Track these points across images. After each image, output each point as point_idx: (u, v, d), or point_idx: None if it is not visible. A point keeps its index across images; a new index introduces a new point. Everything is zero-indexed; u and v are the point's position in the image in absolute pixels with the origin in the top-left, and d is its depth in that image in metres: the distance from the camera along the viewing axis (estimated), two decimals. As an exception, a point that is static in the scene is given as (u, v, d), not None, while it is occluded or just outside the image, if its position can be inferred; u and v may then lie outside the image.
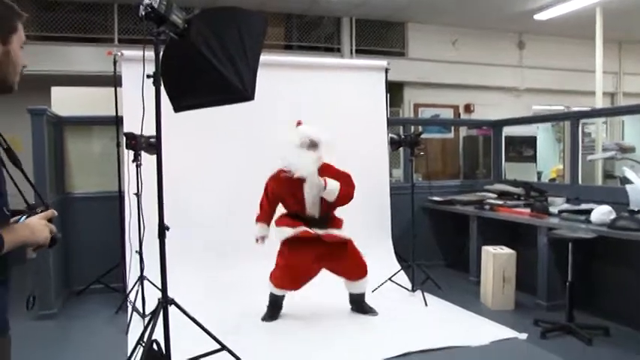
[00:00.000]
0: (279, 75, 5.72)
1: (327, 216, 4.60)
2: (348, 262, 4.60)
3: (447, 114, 9.22)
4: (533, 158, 9.04)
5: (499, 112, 8.56)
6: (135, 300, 4.63)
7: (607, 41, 8.10)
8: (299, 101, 5.65)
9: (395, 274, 5.46)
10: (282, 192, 4.57)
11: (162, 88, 3.11)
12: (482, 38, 9.28)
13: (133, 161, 4.58)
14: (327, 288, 4.75)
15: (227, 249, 5.39)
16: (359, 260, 4.65)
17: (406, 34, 8.91)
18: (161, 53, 3.09)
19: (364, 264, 4.67)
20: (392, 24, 8.82)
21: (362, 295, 4.75)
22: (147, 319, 3.87)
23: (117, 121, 5.32)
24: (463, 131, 8.95)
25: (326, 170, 4.51)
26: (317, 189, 4.43)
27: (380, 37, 8.71)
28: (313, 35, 8.33)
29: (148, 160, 4.52)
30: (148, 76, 3.12)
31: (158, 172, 3.15)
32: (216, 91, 3.42)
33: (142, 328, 3.52)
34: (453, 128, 9.04)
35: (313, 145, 4.42)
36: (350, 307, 4.81)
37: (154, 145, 4.60)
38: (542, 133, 10.69)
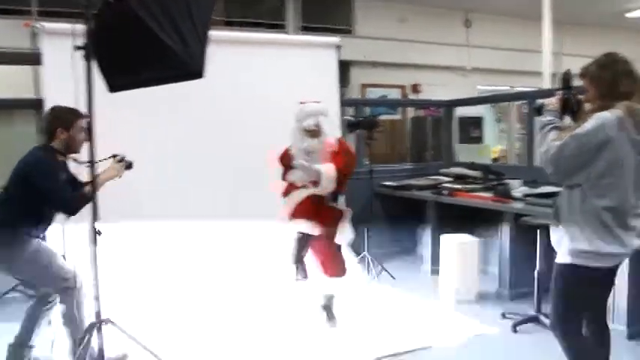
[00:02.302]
0: (219, 52, 5.21)
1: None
2: (332, 257, 4.15)
3: (395, 94, 8.97)
4: (480, 139, 8.94)
5: (446, 92, 8.37)
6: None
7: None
8: (242, 81, 5.21)
9: (350, 266, 5.12)
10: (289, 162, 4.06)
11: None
12: (429, 16, 9.05)
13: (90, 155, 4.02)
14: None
15: (176, 246, 4.90)
16: (340, 260, 4.22)
17: (353, 11, 8.55)
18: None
19: (343, 266, 4.22)
20: (339, 0, 8.44)
21: (333, 299, 4.24)
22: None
23: (37, 104, 4.69)
24: (410, 112, 8.73)
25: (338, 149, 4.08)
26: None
27: (327, 14, 8.31)
28: (256, 10, 7.83)
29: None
30: (77, 48, 2.64)
31: (90, 164, 2.70)
32: (160, 67, 2.94)
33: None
34: (400, 109, 8.79)
35: (317, 129, 3.96)
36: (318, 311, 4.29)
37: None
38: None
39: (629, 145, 2.40)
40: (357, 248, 5.58)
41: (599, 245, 2.42)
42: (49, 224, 3.33)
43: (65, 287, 3.15)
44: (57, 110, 3.22)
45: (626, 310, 3.74)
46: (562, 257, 2.54)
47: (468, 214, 5.18)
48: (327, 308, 4.24)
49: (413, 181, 6.14)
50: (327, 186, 3.98)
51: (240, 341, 3.81)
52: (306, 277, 4.07)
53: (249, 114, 5.08)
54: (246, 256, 4.75)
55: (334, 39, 5.79)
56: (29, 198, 3.07)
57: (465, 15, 9.52)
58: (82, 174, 3.23)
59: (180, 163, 4.89)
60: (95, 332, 2.85)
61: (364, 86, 8.75)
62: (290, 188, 4.07)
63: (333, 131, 5.58)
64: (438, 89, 8.79)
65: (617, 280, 2.71)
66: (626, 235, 2.46)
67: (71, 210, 3.06)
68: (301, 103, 4.02)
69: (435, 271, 5.23)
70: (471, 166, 6.01)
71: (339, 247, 4.18)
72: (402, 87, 9.10)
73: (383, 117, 8.28)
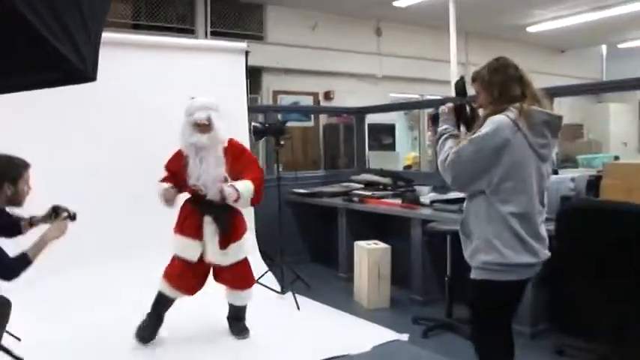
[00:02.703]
0: (124, 56, 5.01)
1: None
2: (237, 269, 3.93)
3: (307, 101, 8.93)
4: (392, 146, 9.04)
5: (358, 99, 8.43)
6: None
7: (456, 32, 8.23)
8: (147, 86, 5.01)
9: (262, 275, 5.00)
10: (177, 167, 3.83)
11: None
12: (341, 24, 9.08)
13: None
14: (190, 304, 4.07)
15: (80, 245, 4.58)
16: (246, 268, 4.03)
17: (265, 17, 8.44)
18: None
19: (252, 274, 4.07)
20: (250, 5, 8.31)
21: (244, 310, 4.09)
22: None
23: None
24: (323, 119, 8.72)
25: (233, 153, 3.87)
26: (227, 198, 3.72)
27: (237, 20, 8.15)
28: (164, 14, 7.55)
29: None
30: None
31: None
32: (46, 69, 2.66)
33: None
34: (313, 116, 8.76)
35: (208, 123, 3.74)
36: (227, 322, 4.12)
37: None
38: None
39: (528, 149, 2.36)
40: (269, 256, 5.49)
41: (509, 255, 2.35)
42: None
43: None
44: (3, 162, 2.92)
45: (528, 311, 3.81)
46: (474, 272, 2.47)
47: (380, 220, 5.19)
48: (237, 320, 4.08)
49: (325, 188, 6.11)
50: (245, 205, 3.86)
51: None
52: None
53: (152, 120, 4.87)
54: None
55: (242, 44, 5.67)
56: None
57: (377, 23, 9.63)
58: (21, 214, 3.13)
59: (72, 174, 4.58)
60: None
61: (276, 93, 8.66)
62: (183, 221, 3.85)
63: (242, 138, 5.51)
64: (350, 96, 8.84)
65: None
66: (537, 243, 2.41)
67: (11, 277, 2.80)
68: (192, 98, 3.84)
69: (349, 278, 5.19)
70: (381, 172, 6.04)
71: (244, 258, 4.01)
72: (314, 94, 9.08)
73: (295, 124, 8.22)
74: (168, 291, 3.79)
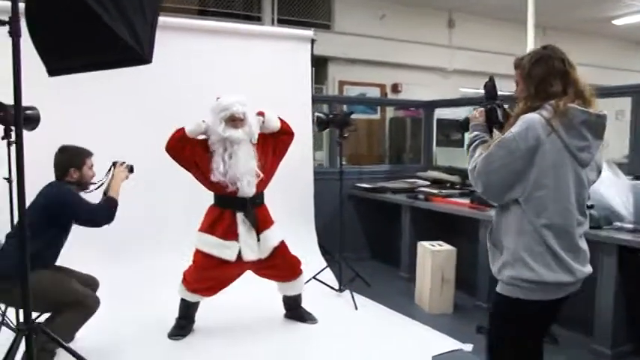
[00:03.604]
0: (189, 41, 4.95)
1: (261, 197, 3.85)
2: (278, 260, 3.88)
3: (374, 93, 8.68)
4: (461, 143, 8.67)
5: (426, 93, 8.12)
6: (5, 310, 3.73)
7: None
8: (212, 72, 4.93)
9: (320, 271, 4.84)
10: (201, 157, 3.68)
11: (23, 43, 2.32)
12: (410, 14, 8.78)
13: (3, 138, 3.67)
14: (245, 290, 4.02)
15: (125, 239, 4.55)
16: (291, 257, 3.97)
17: (332, 6, 8.24)
18: None
19: (297, 260, 4.00)
20: (318, -7, 8.14)
21: (299, 298, 4.10)
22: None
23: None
24: (390, 112, 8.46)
25: (263, 145, 3.83)
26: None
27: (304, 7, 7.99)
28: (231, 1, 7.48)
29: (27, 136, 3.72)
30: (2, 23, 2.31)
31: (18, 153, 2.37)
32: (103, 50, 2.59)
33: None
34: (379, 109, 8.51)
35: (239, 119, 3.64)
36: (284, 312, 4.14)
37: (32, 119, 3.75)
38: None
39: (564, 152, 2.07)
40: (328, 251, 5.32)
41: (541, 273, 2.07)
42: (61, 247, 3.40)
43: (76, 304, 3.19)
44: (67, 151, 3.40)
45: (610, 331, 3.49)
46: (500, 286, 2.19)
47: (445, 220, 4.92)
48: (296, 307, 4.10)
49: (388, 184, 5.88)
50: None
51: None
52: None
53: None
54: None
55: (308, 32, 5.50)
56: (52, 232, 3.22)
57: (449, 15, 9.27)
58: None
59: (141, 157, 4.53)
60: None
61: (342, 84, 8.45)
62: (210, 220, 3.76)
63: (305, 128, 5.37)
64: (418, 90, 8.54)
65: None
66: (574, 260, 2.11)
67: (106, 216, 3.26)
68: (217, 98, 3.71)
69: (411, 279, 4.95)
70: (449, 170, 5.75)
71: (282, 243, 3.95)
72: (381, 86, 8.83)
73: (361, 116, 8.00)
74: (188, 296, 3.75)
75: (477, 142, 2.28)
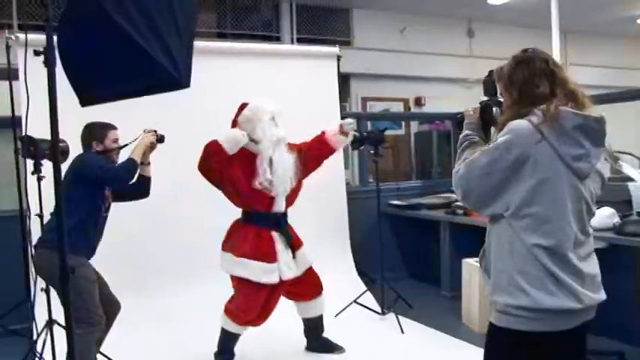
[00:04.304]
0: (211, 64, 4.84)
1: (286, 213, 3.70)
2: (305, 276, 3.71)
3: (397, 108, 8.54)
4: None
5: (450, 104, 7.93)
6: (43, 350, 3.59)
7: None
8: (236, 94, 4.76)
9: (361, 295, 4.66)
10: (235, 170, 3.50)
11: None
12: (430, 26, 8.64)
13: (33, 173, 3.56)
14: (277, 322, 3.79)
15: (166, 270, 4.48)
16: (315, 274, 3.80)
17: (351, 22, 8.13)
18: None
19: (319, 278, 3.81)
20: (336, 10, 8.02)
21: (321, 322, 3.87)
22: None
23: (13, 122, 4.23)
24: (414, 127, 8.31)
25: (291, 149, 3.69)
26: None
27: (323, 25, 7.88)
28: (249, 21, 7.41)
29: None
30: (37, 53, 2.21)
31: (56, 187, 2.24)
32: (139, 77, 2.47)
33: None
34: (403, 124, 8.37)
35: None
36: (306, 344, 3.89)
37: (62, 152, 3.64)
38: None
39: (557, 162, 1.81)
40: (364, 273, 5.15)
41: (538, 298, 1.77)
42: (98, 241, 3.35)
43: (83, 320, 3.02)
44: (90, 126, 3.38)
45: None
46: (493, 316, 1.92)
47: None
48: (317, 334, 3.87)
49: (423, 200, 5.71)
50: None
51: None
52: None
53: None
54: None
55: (334, 49, 5.39)
56: (81, 203, 3.14)
57: (468, 24, 9.13)
58: None
59: (172, 181, 4.45)
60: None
61: (365, 100, 8.32)
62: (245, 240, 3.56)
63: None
64: (441, 102, 8.37)
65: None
66: (579, 284, 1.81)
67: (127, 176, 3.26)
68: (243, 103, 3.63)
69: (454, 298, 4.79)
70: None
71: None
72: (404, 100, 8.68)
73: (387, 132, 7.87)
74: (235, 328, 3.54)
75: (465, 142, 2.06)
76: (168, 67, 2.43)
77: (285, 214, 3.63)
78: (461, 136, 2.11)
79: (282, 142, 3.52)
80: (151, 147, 3.46)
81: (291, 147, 3.65)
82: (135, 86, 2.53)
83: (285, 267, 3.53)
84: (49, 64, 2.18)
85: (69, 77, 2.42)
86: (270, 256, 3.49)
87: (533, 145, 1.79)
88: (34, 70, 2.53)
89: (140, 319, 4.01)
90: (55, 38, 2.27)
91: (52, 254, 2.80)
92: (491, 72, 2.19)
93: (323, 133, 3.85)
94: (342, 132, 3.81)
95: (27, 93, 2.47)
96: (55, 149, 2.24)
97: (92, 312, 3.11)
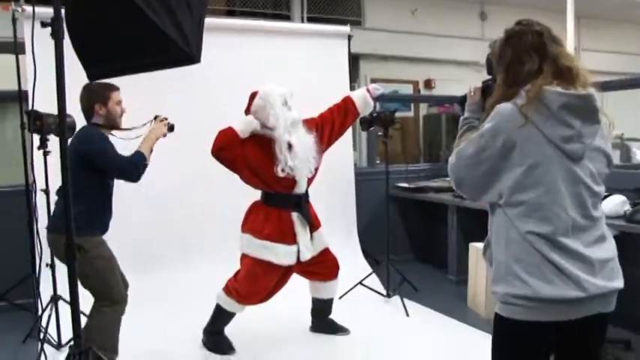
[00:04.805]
0: (221, 41, 4.78)
1: (308, 194, 3.62)
2: (323, 257, 3.67)
3: (407, 90, 8.44)
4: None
5: (461, 88, 7.81)
6: (47, 325, 3.59)
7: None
8: (246, 72, 4.74)
9: (366, 277, 4.64)
10: (254, 155, 3.42)
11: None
12: (442, 8, 8.51)
13: (39, 148, 3.54)
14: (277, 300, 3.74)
15: (174, 251, 4.51)
16: (333, 256, 3.76)
17: (362, 2, 8.01)
18: None
19: (337, 261, 3.77)
20: (347, -11, 7.92)
21: (330, 302, 3.85)
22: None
23: (20, 96, 4.20)
24: (423, 109, 8.23)
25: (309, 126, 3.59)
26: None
27: (334, 4, 7.77)
28: (259, 0, 7.32)
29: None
30: (44, 25, 2.16)
31: (62, 163, 2.20)
32: (149, 51, 2.43)
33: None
34: (412, 106, 8.29)
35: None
36: (310, 324, 3.88)
37: (68, 127, 3.60)
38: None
39: (546, 145, 1.71)
40: (371, 255, 5.13)
41: (536, 286, 1.68)
42: (110, 216, 3.18)
43: (107, 299, 2.99)
44: (91, 86, 3.11)
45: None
46: (498, 306, 1.82)
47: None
48: (324, 315, 3.86)
49: (430, 183, 5.67)
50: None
51: None
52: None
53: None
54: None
55: (345, 28, 5.33)
56: (91, 181, 3.02)
57: (481, 7, 8.99)
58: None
59: (178, 164, 4.43)
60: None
61: (374, 81, 8.20)
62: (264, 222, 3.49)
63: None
64: (451, 85, 8.26)
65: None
66: (586, 272, 1.70)
67: (135, 173, 3.04)
68: (254, 92, 3.51)
69: (460, 282, 4.76)
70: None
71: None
72: (414, 82, 8.59)
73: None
74: (234, 307, 3.49)
75: (464, 127, 1.96)
76: (180, 42, 2.40)
77: (306, 194, 3.56)
78: (461, 119, 2.02)
79: (298, 124, 3.42)
80: (162, 135, 3.27)
81: (309, 124, 3.55)
82: (145, 61, 2.50)
83: (305, 248, 3.49)
84: (57, 37, 2.13)
85: (77, 51, 2.38)
86: (289, 238, 3.45)
87: (518, 129, 1.70)
88: (41, 44, 2.50)
89: (146, 299, 4.02)
90: (62, 11, 2.23)
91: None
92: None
93: (348, 96, 3.78)
94: (370, 96, 3.75)
95: (34, 66, 2.40)
96: (63, 124, 2.20)
97: (114, 289, 3.01)
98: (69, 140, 3.36)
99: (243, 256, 3.52)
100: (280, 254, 3.41)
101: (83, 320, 2.50)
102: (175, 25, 2.36)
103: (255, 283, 3.45)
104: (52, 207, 3.45)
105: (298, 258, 3.48)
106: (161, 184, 4.32)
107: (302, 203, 3.50)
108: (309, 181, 3.55)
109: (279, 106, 3.37)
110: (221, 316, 3.52)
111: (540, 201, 1.71)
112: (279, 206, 3.47)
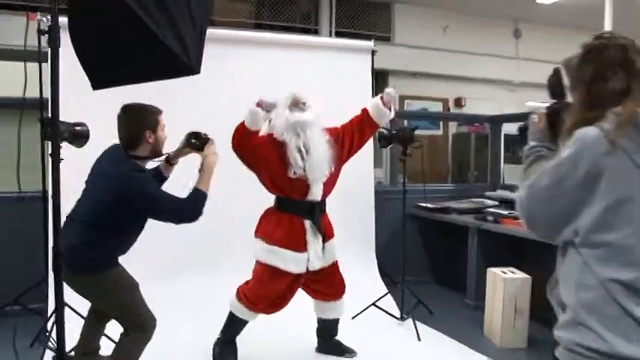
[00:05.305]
0: (248, 53, 4.80)
1: (325, 202, 3.51)
2: (327, 275, 3.56)
3: (436, 108, 8.32)
4: (528, 160, 8.22)
5: (492, 107, 7.73)
6: (51, 331, 3.59)
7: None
8: (270, 84, 4.67)
9: (381, 297, 4.52)
10: (271, 154, 3.33)
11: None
12: (474, 25, 8.37)
13: (51, 155, 3.55)
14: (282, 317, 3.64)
15: (184, 261, 4.46)
16: (341, 275, 3.66)
17: (392, 17, 7.94)
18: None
19: (343, 280, 3.67)
20: (377, 4, 7.84)
21: (337, 325, 3.74)
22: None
23: (41, 104, 4.24)
24: (453, 127, 8.09)
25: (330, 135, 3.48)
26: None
27: (363, 19, 7.72)
28: (287, 13, 7.31)
29: (75, 153, 3.61)
30: (41, 32, 2.16)
31: (54, 170, 2.19)
32: (150, 62, 2.43)
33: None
34: (441, 124, 8.15)
35: (302, 103, 3.37)
36: (317, 345, 3.78)
37: (80, 135, 3.62)
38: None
39: (638, 176, 1.49)
40: (388, 275, 5.02)
41: (616, 344, 1.46)
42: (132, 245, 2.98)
43: (137, 326, 2.85)
44: (137, 110, 2.84)
45: None
46: (560, 352, 1.61)
47: (517, 244, 4.53)
48: (330, 335, 3.74)
49: (454, 204, 5.52)
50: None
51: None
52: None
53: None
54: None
55: (369, 43, 5.24)
56: (123, 221, 2.78)
57: (515, 24, 8.83)
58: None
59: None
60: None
61: (403, 98, 8.12)
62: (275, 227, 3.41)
63: (366, 146, 5.10)
64: (482, 104, 8.13)
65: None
66: None
67: (194, 214, 2.80)
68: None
69: (478, 307, 4.59)
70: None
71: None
72: (444, 100, 8.46)
73: (423, 132, 7.68)
74: (246, 314, 3.42)
75: (530, 157, 1.77)
76: (180, 54, 2.38)
77: (321, 203, 3.46)
78: (525, 149, 1.81)
79: (309, 126, 3.28)
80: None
81: (330, 132, 3.46)
82: (146, 71, 2.51)
83: (315, 257, 3.40)
84: (54, 45, 2.13)
85: (80, 59, 2.40)
86: (300, 245, 3.36)
87: (603, 157, 1.47)
88: (65, 53, 2.49)
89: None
90: (65, 19, 2.23)
91: (84, 277, 2.74)
92: (556, 70, 1.85)
93: (365, 108, 3.68)
94: (384, 104, 3.61)
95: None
96: (54, 130, 2.20)
97: (143, 316, 2.88)
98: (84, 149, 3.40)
99: (256, 262, 3.46)
100: (288, 260, 3.32)
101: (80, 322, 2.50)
102: (176, 37, 2.35)
103: (263, 288, 3.37)
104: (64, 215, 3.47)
105: (308, 267, 3.40)
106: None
107: (315, 211, 3.41)
108: (326, 191, 3.45)
109: (281, 106, 3.30)
110: (233, 324, 3.46)
111: (628, 243, 1.48)
112: (292, 212, 3.39)
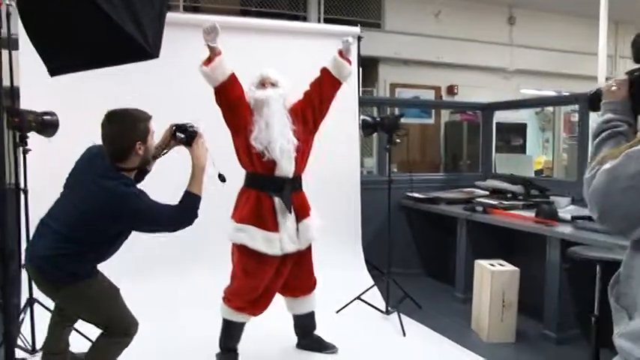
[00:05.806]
0: (231, 40, 4.56)
1: (299, 178, 3.36)
2: (301, 269, 3.42)
3: (428, 96, 8.14)
4: (522, 148, 8.09)
5: (485, 95, 7.54)
6: (20, 326, 3.50)
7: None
8: (253, 71, 4.56)
9: (366, 290, 4.39)
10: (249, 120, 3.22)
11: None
12: (467, 11, 8.19)
13: (18, 146, 3.43)
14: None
15: (160, 259, 4.30)
16: (309, 265, 3.50)
17: (383, 3, 7.75)
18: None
19: (313, 273, 3.52)
20: (367, -10, 7.68)
21: (313, 319, 3.60)
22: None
23: (12, 94, 4.07)
24: (445, 116, 7.94)
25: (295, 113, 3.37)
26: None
27: (353, 5, 7.53)
28: (275, 0, 7.13)
29: (44, 144, 3.50)
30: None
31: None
32: (106, 46, 2.30)
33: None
34: (433, 112, 8.00)
35: (270, 83, 3.31)
36: (296, 342, 3.64)
37: (50, 124, 3.49)
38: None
39: None
40: (376, 267, 4.89)
41: None
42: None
43: (121, 331, 2.71)
44: (127, 121, 2.59)
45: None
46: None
47: (507, 236, 4.41)
48: (308, 331, 3.61)
49: (443, 194, 5.39)
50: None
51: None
52: None
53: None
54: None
55: (354, 29, 5.07)
56: (110, 237, 2.64)
57: (509, 11, 8.64)
58: None
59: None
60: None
61: (394, 86, 7.97)
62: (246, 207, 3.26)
63: (351, 132, 4.97)
64: (476, 92, 7.95)
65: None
66: None
67: (188, 219, 2.65)
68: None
69: (467, 300, 4.48)
70: (511, 179, 5.21)
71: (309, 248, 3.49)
72: (436, 88, 8.28)
73: (414, 121, 7.53)
74: (233, 316, 3.27)
75: (606, 132, 1.51)
76: (137, 37, 2.25)
77: (294, 180, 3.28)
78: (598, 121, 1.55)
79: (266, 103, 3.19)
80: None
81: (293, 105, 3.37)
82: (103, 56, 2.37)
83: (288, 239, 3.23)
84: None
85: (35, 45, 2.29)
86: (270, 224, 3.20)
87: None
88: None
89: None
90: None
91: (65, 290, 2.60)
92: (598, 90, 1.63)
93: (323, 67, 3.54)
94: (343, 56, 3.50)
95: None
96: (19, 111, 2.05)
97: (127, 321, 2.74)
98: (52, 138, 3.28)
99: (232, 253, 3.32)
100: (257, 239, 3.15)
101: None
102: (134, 21, 2.21)
103: (243, 279, 3.22)
104: (32, 208, 3.34)
105: (281, 249, 3.23)
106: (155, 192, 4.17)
107: (285, 187, 3.24)
108: (299, 167, 3.31)
109: (248, 86, 3.30)
110: (228, 330, 3.31)
111: None
112: (260, 189, 3.23)
